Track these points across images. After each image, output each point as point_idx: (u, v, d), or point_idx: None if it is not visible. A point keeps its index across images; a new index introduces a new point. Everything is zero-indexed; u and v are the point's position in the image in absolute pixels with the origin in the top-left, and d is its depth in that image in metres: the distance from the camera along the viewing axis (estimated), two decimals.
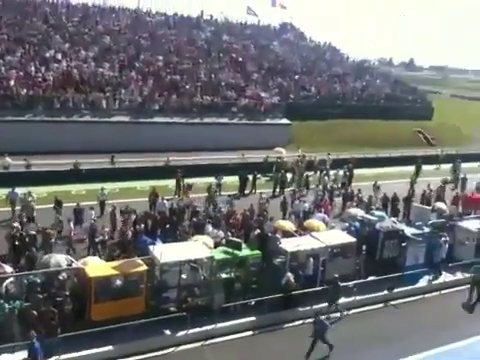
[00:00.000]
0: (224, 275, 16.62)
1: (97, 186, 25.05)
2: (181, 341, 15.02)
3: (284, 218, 23.88)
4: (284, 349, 15.26)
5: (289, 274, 16.95)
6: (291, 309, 16.85)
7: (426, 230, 20.84)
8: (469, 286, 19.42)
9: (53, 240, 18.79)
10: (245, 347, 15.19)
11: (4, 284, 14.58)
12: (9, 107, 33.67)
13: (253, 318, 16.29)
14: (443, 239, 20.95)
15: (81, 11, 50.02)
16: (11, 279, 14.91)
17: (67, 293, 14.69)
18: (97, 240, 19.07)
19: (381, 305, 18.36)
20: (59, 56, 39.80)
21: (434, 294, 19.62)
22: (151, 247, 16.44)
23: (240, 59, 50.31)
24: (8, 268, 15.61)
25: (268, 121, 42.94)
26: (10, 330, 13.68)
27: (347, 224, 21.35)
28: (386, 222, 20.89)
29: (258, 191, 29.06)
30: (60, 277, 14.94)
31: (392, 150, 41.67)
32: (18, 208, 22.53)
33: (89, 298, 14.73)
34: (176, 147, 34.67)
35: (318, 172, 33.54)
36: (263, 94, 44.88)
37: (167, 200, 23.92)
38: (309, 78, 52.13)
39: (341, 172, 32.68)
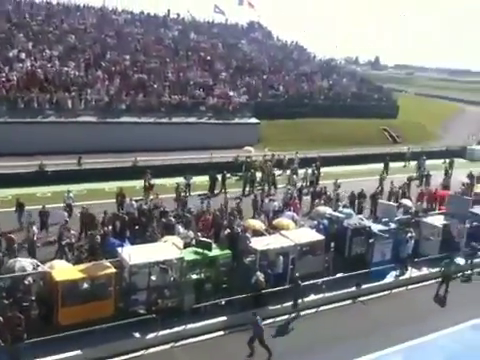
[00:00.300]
0: (194, 276, 16.58)
1: (63, 188, 24.59)
2: (151, 343, 14.91)
3: (254, 217, 23.97)
4: (255, 348, 15.31)
5: (259, 273, 17.02)
6: (261, 308, 16.91)
7: (392, 226, 21.23)
8: (439, 280, 19.90)
9: (15, 245, 18.33)
10: (216, 347, 15.19)
11: None
12: None
13: (224, 318, 16.30)
14: (409, 235, 21.39)
15: (45, 9, 48.91)
16: None
17: (33, 298, 14.42)
18: (64, 243, 18.71)
19: (349, 301, 18.61)
20: (23, 55, 38.78)
21: (401, 289, 20.00)
22: (119, 249, 16.27)
23: (208, 58, 50.16)
24: None
25: (237, 120, 42.92)
26: None
27: (316, 222, 21.56)
28: (353, 219, 21.22)
29: (229, 190, 29.20)
30: (26, 282, 14.63)
31: (359, 148, 42.29)
32: None
33: (56, 302, 14.49)
34: (144, 147, 34.31)
35: (287, 171, 33.76)
36: (231, 93, 44.86)
37: (136, 201, 23.69)
38: (277, 77, 52.40)
39: (310, 170, 32.99)
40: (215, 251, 17.29)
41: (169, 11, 58.23)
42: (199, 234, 19.45)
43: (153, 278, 15.75)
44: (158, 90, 41.03)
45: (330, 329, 16.60)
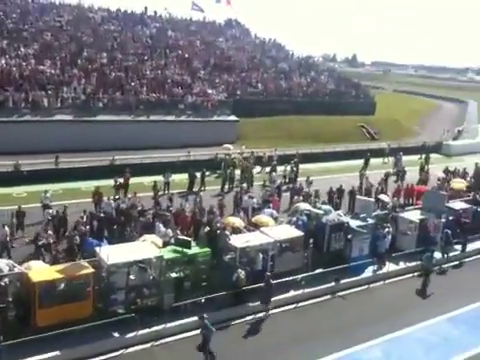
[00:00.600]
0: (174, 274, 16.51)
1: (39, 188, 24.29)
2: (131, 343, 14.81)
3: (233, 214, 23.99)
4: (235, 345, 15.37)
5: (240, 270, 17.04)
6: (241, 305, 16.96)
7: (370, 222, 21.44)
8: (422, 274, 20.32)
9: None
10: (197, 344, 15.14)
11: None
12: None
13: (204, 316, 16.23)
14: (386, 230, 21.65)
15: (20, 7, 48.09)
16: None
17: (10, 299, 14.19)
18: (40, 243, 18.45)
19: (329, 297, 18.76)
20: None
21: (379, 284, 20.22)
22: (97, 249, 16.13)
23: (186, 55, 49.96)
24: None
25: (215, 118, 42.86)
26: None
27: (295, 218, 21.66)
28: (332, 215, 21.38)
29: (208, 188, 29.19)
30: (2, 283, 14.38)
31: (337, 145, 42.62)
32: None
33: (33, 303, 14.30)
34: (122, 146, 34.01)
35: (266, 168, 33.85)
36: (210, 91, 44.78)
37: (114, 200, 23.50)
38: (255, 74, 52.49)
39: (288, 167, 33.13)
40: (194, 249, 17.25)
41: (146, 8, 57.95)
42: (178, 232, 19.39)
43: (132, 277, 15.66)
44: (136, 88, 40.72)
45: (310, 324, 16.73)
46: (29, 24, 44.83)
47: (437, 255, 21.90)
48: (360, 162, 37.39)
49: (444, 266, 22.03)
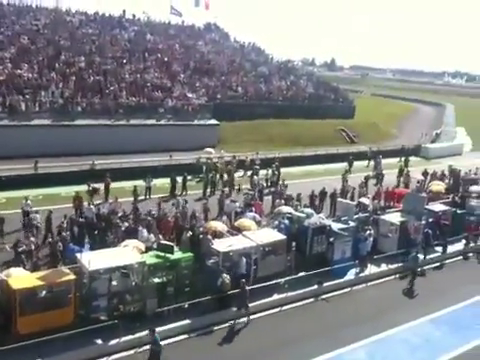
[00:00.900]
0: (156, 279, 16.34)
1: (18, 193, 23.90)
2: (114, 350, 14.59)
3: (216, 218, 23.91)
4: (219, 350, 15.28)
5: (224, 275, 16.96)
6: (225, 310, 16.87)
7: (352, 225, 21.56)
8: (409, 275, 20.57)
9: None
10: (179, 351, 15.01)
11: None
12: None
13: (187, 321, 16.15)
14: (368, 233, 21.80)
15: None
16: None
17: None
18: (20, 250, 18.09)
19: (312, 300, 18.78)
20: None
21: (361, 286, 20.32)
22: (78, 255, 15.89)
23: (165, 59, 49.80)
24: None
25: (196, 122, 42.79)
26: None
27: (277, 222, 21.66)
28: (314, 218, 21.43)
29: (190, 192, 29.05)
30: None
31: (317, 148, 42.86)
32: None
33: (14, 311, 13.99)
34: (102, 150, 33.63)
35: (248, 172, 33.85)
36: (190, 95, 44.69)
37: (94, 205, 23.20)
38: (235, 78, 52.56)
39: (270, 171, 33.19)
40: (177, 254, 17.11)
41: (124, 12, 57.73)
42: (160, 237, 19.23)
43: (114, 283, 15.44)
44: (115, 92, 40.40)
45: (294, 328, 16.70)
46: (5, 27, 44.36)
47: (420, 256, 22.13)
48: (341, 165, 37.62)
49: (425, 268, 22.24)
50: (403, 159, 40.94)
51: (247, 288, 16.65)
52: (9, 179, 27.34)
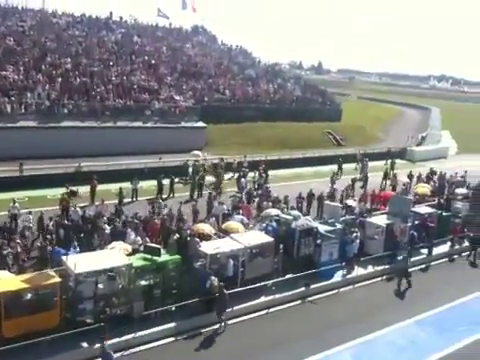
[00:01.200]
0: (143, 282, 16.27)
1: (3, 196, 23.69)
2: (100, 353, 14.46)
3: (203, 220, 23.84)
4: (206, 353, 15.25)
5: (213, 277, 16.93)
6: (212, 312, 16.82)
7: (338, 227, 21.67)
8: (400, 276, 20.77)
9: None
10: (167, 354, 14.97)
11: None
12: None
13: (174, 324, 16.09)
14: (354, 235, 21.93)
15: None
16: None
17: None
18: (5, 252, 17.86)
19: (299, 302, 18.84)
20: None
21: (348, 288, 20.42)
22: (64, 257, 15.77)
23: (152, 61, 49.68)
24: None
25: (183, 124, 42.69)
26: None
27: (264, 224, 21.70)
28: (301, 221, 21.50)
29: (177, 195, 28.96)
30: None
31: (305, 151, 43.01)
32: None
33: None
34: (88, 152, 33.47)
35: (235, 174, 33.85)
36: (177, 97, 44.60)
37: (80, 208, 23.04)
38: (223, 81, 52.58)
39: (257, 174, 33.23)
40: (164, 256, 17.05)
41: (111, 14, 57.47)
42: (147, 240, 19.15)
43: (100, 286, 15.34)
44: (101, 94, 40.20)
45: (281, 330, 16.73)
46: None
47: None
48: (328, 168, 37.78)
49: (410, 270, 22.37)
50: (389, 162, 41.22)
51: (226, 292, 16.53)
52: None
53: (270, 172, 33.89)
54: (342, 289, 20.23)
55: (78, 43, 47.33)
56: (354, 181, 33.14)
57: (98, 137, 36.25)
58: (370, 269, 21.83)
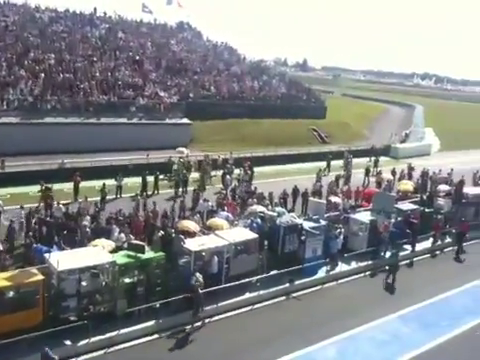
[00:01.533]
0: (127, 279, 16.19)
1: None
2: (83, 350, 14.43)
3: (188, 217, 23.79)
4: (191, 349, 15.24)
5: (198, 274, 16.91)
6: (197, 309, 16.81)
7: (323, 223, 21.77)
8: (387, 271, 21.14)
9: None
10: (151, 351, 14.93)
11: None
12: None
13: (158, 321, 16.06)
14: (338, 231, 22.07)
15: None
16: None
17: None
18: None
19: (283, 298, 18.91)
20: None
21: (332, 284, 20.57)
22: (47, 255, 15.63)
23: (137, 57, 49.33)
24: None
25: (168, 121, 42.50)
26: None
27: (249, 221, 21.72)
28: (286, 217, 21.57)
29: (162, 192, 28.87)
30: None
31: (290, 148, 43.12)
32: None
33: None
34: (72, 148, 33.14)
35: (220, 171, 33.81)
36: (162, 93, 44.37)
37: (63, 204, 22.83)
38: (208, 77, 52.41)
39: (242, 171, 33.21)
40: (148, 253, 16.99)
41: (95, 9, 56.77)
42: (131, 237, 19.05)
43: (83, 284, 15.24)
44: (85, 90, 39.84)
45: (266, 326, 16.79)
46: None
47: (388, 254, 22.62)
48: (313, 165, 37.88)
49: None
50: (373, 159, 41.49)
51: (201, 292, 16.42)
52: None
53: (255, 169, 33.86)
54: (326, 285, 20.37)
55: (61, 39, 46.77)
56: (338, 178, 33.30)
57: (81, 133, 35.93)
58: (354, 265, 21.99)
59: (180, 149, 36.41)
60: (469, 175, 35.87)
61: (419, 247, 24.71)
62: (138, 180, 29.13)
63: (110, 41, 50.57)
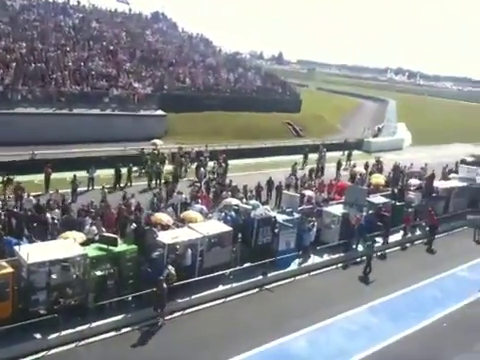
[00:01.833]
0: (99, 272, 16.01)
1: None
2: (54, 344, 14.24)
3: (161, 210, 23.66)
4: (163, 341, 15.23)
5: (170, 267, 16.85)
6: (169, 301, 16.77)
7: (296, 216, 21.93)
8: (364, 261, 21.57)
9: None
10: (123, 344, 14.85)
11: None
12: None
13: (130, 314, 15.97)
14: (311, 224, 22.27)
15: None
16: None
17: None
18: None
19: (256, 290, 19.01)
20: None
21: (304, 276, 20.76)
22: (17, 248, 15.37)
23: (111, 47, 48.65)
24: None
25: (142, 112, 42.11)
26: None
27: (223, 214, 21.73)
28: (259, 210, 21.64)
29: (135, 184, 28.64)
30: None
31: (264, 141, 43.23)
32: None
33: None
34: (43, 139, 32.53)
35: (194, 163, 33.70)
36: (136, 84, 43.90)
37: (35, 196, 22.46)
38: (183, 69, 52.04)
39: (217, 163, 33.17)
40: (121, 246, 16.85)
41: None
42: (103, 229, 18.86)
43: (54, 277, 15.00)
44: (57, 80, 39.14)
45: (239, 318, 16.90)
46: None
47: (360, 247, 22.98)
48: (288, 158, 38.10)
49: (364, 257, 22.91)
50: (346, 153, 41.94)
51: (165, 286, 16.14)
52: None
53: (230, 162, 33.88)
54: (298, 277, 20.53)
55: (33, 27, 45.90)
56: (312, 171, 33.53)
57: (53, 124, 35.35)
58: (326, 257, 22.23)
59: (155, 141, 36.11)
60: (439, 169, 36.58)
61: (391, 239, 25.08)
62: (111, 172, 28.82)
63: (83, 30, 49.80)
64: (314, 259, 21.66)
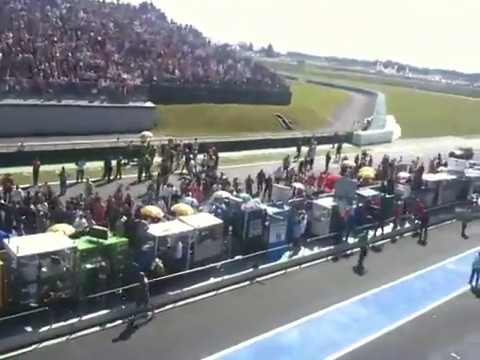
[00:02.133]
0: (89, 265, 15.93)
1: None
2: (44, 337, 14.18)
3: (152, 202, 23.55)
4: (155, 334, 15.21)
5: (157, 260, 16.79)
6: (160, 294, 16.75)
7: (286, 209, 21.97)
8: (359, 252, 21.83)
9: None
10: (114, 337, 14.81)
11: None
12: None
13: (121, 307, 15.92)
14: (302, 216, 22.33)
15: None
16: None
17: None
18: None
19: (247, 282, 19.04)
20: None
21: (295, 268, 20.83)
22: (6, 240, 15.22)
23: (99, 38, 48.11)
24: None
25: (131, 104, 41.75)
26: None
27: (214, 206, 21.70)
28: (250, 203, 21.64)
29: (124, 176, 28.48)
30: None
31: (254, 133, 43.17)
32: None
33: None
34: (31, 131, 32.14)
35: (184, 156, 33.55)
36: (125, 75, 43.50)
37: (23, 189, 22.23)
38: (172, 60, 51.64)
39: (207, 156, 33.07)
40: (111, 239, 16.76)
41: None
42: (93, 222, 18.74)
43: (44, 270, 14.91)
44: (45, 70, 38.66)
45: (230, 310, 16.93)
46: None
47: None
48: (277, 151, 38.14)
49: (355, 250, 23.04)
50: (336, 146, 42.02)
51: (146, 282, 15.91)
52: None
53: (220, 154, 33.78)
54: (289, 269, 20.60)
55: (20, 17, 45.14)
56: (302, 164, 33.57)
57: (41, 116, 34.89)
58: (316, 250, 22.32)
59: (145, 133, 35.85)
60: (428, 162, 36.83)
61: (379, 232, 25.22)
62: (100, 164, 28.61)
63: (71, 21, 49.14)
64: (304, 251, 21.74)
